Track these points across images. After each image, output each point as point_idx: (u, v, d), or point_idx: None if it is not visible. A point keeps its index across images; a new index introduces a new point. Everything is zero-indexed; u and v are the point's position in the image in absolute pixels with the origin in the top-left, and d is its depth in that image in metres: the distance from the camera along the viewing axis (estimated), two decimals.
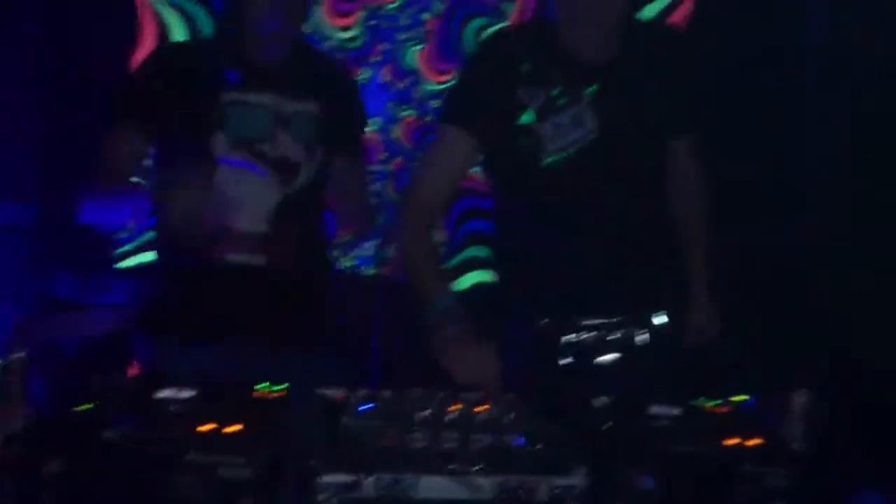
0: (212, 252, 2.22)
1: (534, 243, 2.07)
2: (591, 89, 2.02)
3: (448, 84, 3.68)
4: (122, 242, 3.59)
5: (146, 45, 3.49)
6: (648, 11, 3.59)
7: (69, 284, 3.38)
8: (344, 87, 2.51)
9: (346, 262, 3.63)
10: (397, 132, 3.72)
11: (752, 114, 3.40)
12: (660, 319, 2.12)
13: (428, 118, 3.71)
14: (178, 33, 3.54)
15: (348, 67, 2.52)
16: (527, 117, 2.03)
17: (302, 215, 2.33)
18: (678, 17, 3.64)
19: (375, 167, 3.56)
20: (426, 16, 3.69)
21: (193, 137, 2.22)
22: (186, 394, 1.60)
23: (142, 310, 2.43)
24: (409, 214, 2.09)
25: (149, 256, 3.54)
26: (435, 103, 3.70)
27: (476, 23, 3.70)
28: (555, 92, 2.01)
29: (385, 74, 3.69)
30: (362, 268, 3.66)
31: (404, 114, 3.73)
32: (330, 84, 2.42)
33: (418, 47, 3.69)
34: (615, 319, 2.07)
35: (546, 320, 2.09)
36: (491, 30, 3.53)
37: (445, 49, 3.71)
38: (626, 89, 2.02)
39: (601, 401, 1.70)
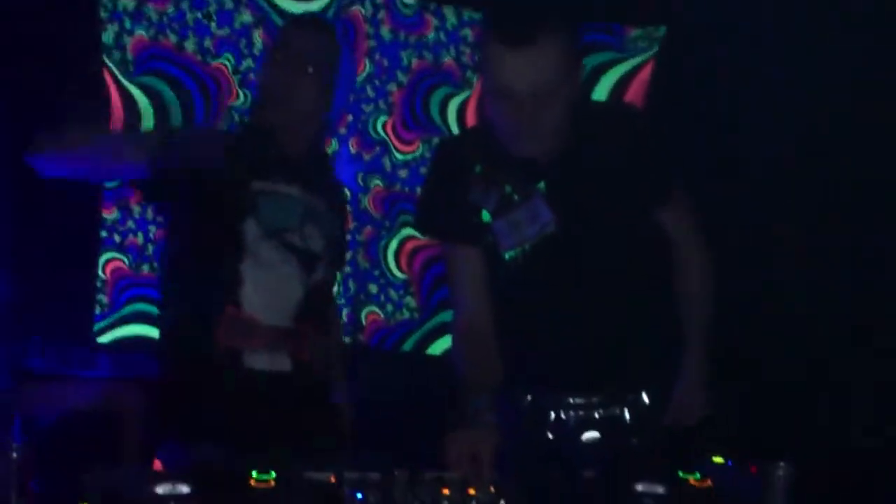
0: (234, 345, 2.18)
1: (509, 327, 2.09)
2: (541, 184, 2.05)
3: (414, 154, 3.78)
4: (102, 317, 3.61)
5: (115, 126, 3.53)
6: (600, 91, 3.71)
7: (46, 357, 3.37)
8: (343, 196, 2.54)
9: None
10: (366, 202, 3.79)
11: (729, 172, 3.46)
12: (640, 397, 2.14)
13: (396, 187, 3.78)
14: (148, 117, 3.58)
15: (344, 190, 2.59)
16: (485, 216, 2.08)
17: (319, 312, 2.32)
18: (634, 91, 3.76)
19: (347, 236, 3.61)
20: (391, 87, 3.77)
21: (224, 225, 2.19)
22: (184, 488, 1.62)
23: (156, 404, 2.36)
24: (462, 342, 2.12)
25: (128, 330, 3.63)
26: (403, 173, 3.78)
27: (441, 92, 3.79)
28: (507, 189, 2.05)
29: (353, 145, 3.75)
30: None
31: (373, 183, 3.79)
32: (334, 188, 2.46)
33: (384, 118, 3.77)
34: (598, 399, 2.10)
35: (528, 398, 2.12)
36: (440, 139, 3.59)
37: (410, 119, 3.78)
38: (578, 178, 2.05)
39: (587, 478, 1.75)
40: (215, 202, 2.20)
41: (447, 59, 3.79)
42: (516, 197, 2.05)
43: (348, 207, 2.61)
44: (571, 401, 2.09)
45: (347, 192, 2.62)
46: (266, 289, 2.19)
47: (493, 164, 2.05)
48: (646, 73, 3.76)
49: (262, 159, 2.25)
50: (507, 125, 1.98)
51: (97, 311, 3.61)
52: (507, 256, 2.08)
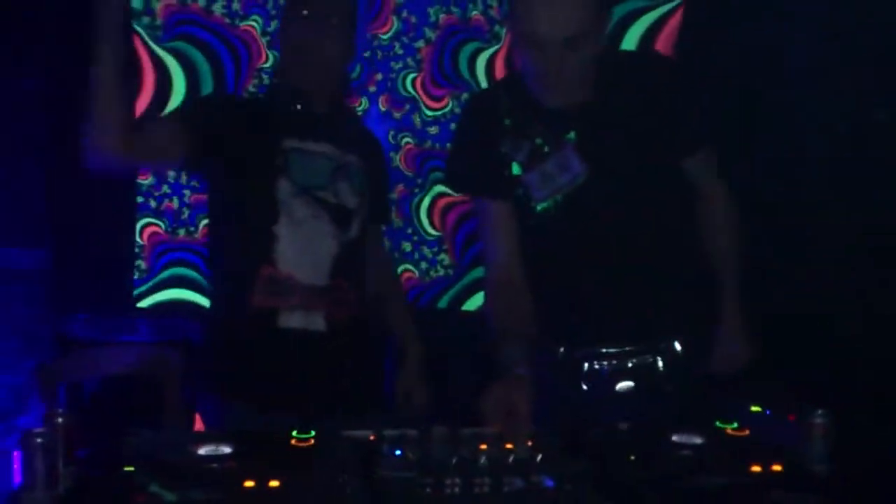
0: (271, 304, 2.19)
1: (542, 281, 2.10)
2: (571, 134, 2.05)
3: (444, 110, 3.77)
4: (141, 282, 3.67)
5: (146, 92, 3.56)
6: (629, 41, 3.67)
7: (85, 324, 3.43)
8: (377, 147, 2.51)
9: None
10: (398, 160, 3.79)
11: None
12: (673, 346, 2.13)
13: (427, 144, 3.78)
14: (179, 81, 3.59)
15: (379, 141, 2.56)
16: (515, 169, 2.08)
17: (355, 268, 2.31)
18: (664, 41, 3.71)
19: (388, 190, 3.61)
20: (420, 44, 3.75)
21: (257, 185, 2.20)
22: (225, 449, 1.65)
23: (197, 364, 2.41)
24: (495, 296, 2.13)
25: (167, 294, 3.69)
26: (433, 130, 3.77)
27: (469, 47, 3.77)
28: (538, 141, 2.05)
29: (383, 103, 3.75)
30: None
31: (404, 141, 3.79)
32: (366, 141, 2.44)
33: (413, 75, 3.76)
34: (631, 348, 2.10)
35: (562, 350, 2.13)
36: (469, 94, 3.62)
37: (439, 75, 3.77)
38: (608, 127, 2.04)
39: (622, 429, 1.75)
40: (247, 163, 2.21)
41: (475, 14, 3.76)
42: (547, 148, 2.05)
43: (384, 160, 2.55)
44: (604, 351, 2.10)
45: (381, 145, 2.57)
46: (300, 246, 2.20)
47: (522, 115, 2.05)
48: (675, 22, 3.69)
49: (290, 117, 2.26)
50: (536, 73, 1.97)
51: (136, 276, 3.67)
52: (538, 208, 2.08)
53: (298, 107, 2.26)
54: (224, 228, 2.28)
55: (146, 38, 3.55)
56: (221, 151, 2.20)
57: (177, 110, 2.30)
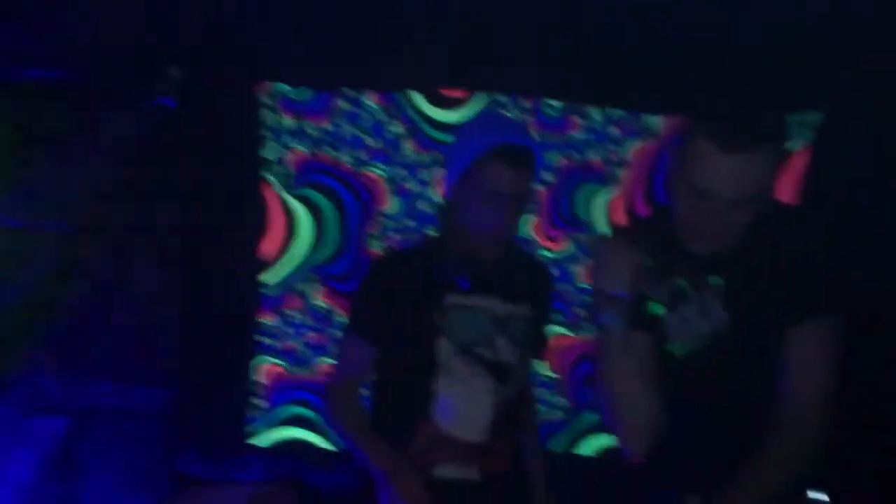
0: (428, 461, 2.24)
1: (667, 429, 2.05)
2: (716, 279, 2.00)
3: (564, 253, 3.78)
4: (257, 420, 3.75)
5: (275, 237, 3.74)
6: None
7: (198, 462, 3.52)
8: (547, 291, 2.50)
9: None
10: None
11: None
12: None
13: None
14: (306, 226, 3.76)
15: (548, 270, 2.55)
16: (656, 308, 2.04)
17: (512, 422, 2.32)
18: (786, 184, 3.59)
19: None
20: (538, 187, 3.80)
21: (419, 343, 2.25)
22: None
23: None
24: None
25: (284, 433, 3.77)
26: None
27: (586, 188, 3.79)
28: (681, 283, 2.01)
29: None
30: None
31: None
32: (538, 286, 2.44)
33: (531, 217, 3.80)
34: None
35: (696, 499, 2.03)
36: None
37: (557, 218, 3.80)
38: (753, 278, 1.98)
39: None
40: (413, 321, 2.26)
41: (593, 157, 3.80)
42: (689, 291, 2.01)
43: (550, 290, 2.52)
44: None
45: (548, 275, 2.55)
46: (458, 403, 2.23)
47: (666, 255, 2.01)
48: (799, 165, 3.60)
49: (457, 272, 2.29)
50: (698, 224, 1.93)
51: (253, 414, 3.74)
52: (676, 352, 2.04)
53: (468, 265, 2.28)
54: (385, 382, 2.35)
55: (277, 186, 3.75)
56: (387, 316, 2.28)
57: (353, 327, 2.39)
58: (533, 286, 2.40)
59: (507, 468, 2.29)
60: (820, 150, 3.55)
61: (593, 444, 3.76)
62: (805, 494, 2.06)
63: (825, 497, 2.02)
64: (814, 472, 2.05)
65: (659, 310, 2.03)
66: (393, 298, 2.29)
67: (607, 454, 3.74)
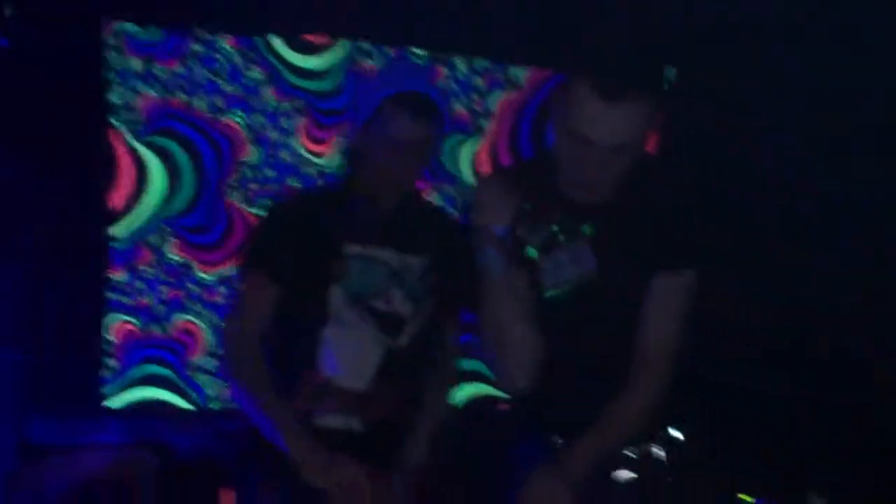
0: (311, 407, 2.23)
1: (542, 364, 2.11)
2: (588, 228, 2.06)
3: None
4: (110, 380, 3.56)
5: (125, 187, 3.52)
6: None
7: (51, 427, 3.33)
8: (456, 242, 2.41)
9: None
10: None
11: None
12: (679, 436, 2.14)
13: None
14: (158, 176, 3.56)
15: (459, 221, 2.44)
16: (530, 252, 2.07)
17: (404, 373, 2.31)
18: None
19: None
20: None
21: (311, 291, 2.23)
22: None
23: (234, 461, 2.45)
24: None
25: (138, 393, 3.59)
26: None
27: (452, 140, 3.76)
28: (554, 229, 2.06)
29: None
30: None
31: None
32: (441, 237, 2.38)
33: None
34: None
35: (560, 441, 2.11)
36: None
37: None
38: (623, 228, 2.06)
39: None
40: (309, 269, 2.24)
41: (458, 108, 3.76)
42: (562, 237, 2.06)
43: (462, 245, 2.35)
44: None
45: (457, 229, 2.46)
46: (344, 353, 2.23)
47: (543, 200, 2.06)
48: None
49: (355, 221, 2.27)
50: (577, 171, 1.99)
51: (105, 374, 3.56)
52: (546, 295, 2.09)
53: (366, 212, 2.27)
54: (273, 330, 2.28)
55: (125, 134, 3.52)
56: (288, 257, 2.24)
57: (255, 263, 2.30)
58: (435, 238, 2.36)
59: (389, 417, 2.28)
60: (673, 105, 3.62)
61: (461, 394, 3.73)
62: (666, 430, 2.16)
63: (679, 435, 2.12)
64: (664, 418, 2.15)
65: (533, 253, 2.08)
66: (294, 240, 2.26)
67: (475, 403, 3.76)
